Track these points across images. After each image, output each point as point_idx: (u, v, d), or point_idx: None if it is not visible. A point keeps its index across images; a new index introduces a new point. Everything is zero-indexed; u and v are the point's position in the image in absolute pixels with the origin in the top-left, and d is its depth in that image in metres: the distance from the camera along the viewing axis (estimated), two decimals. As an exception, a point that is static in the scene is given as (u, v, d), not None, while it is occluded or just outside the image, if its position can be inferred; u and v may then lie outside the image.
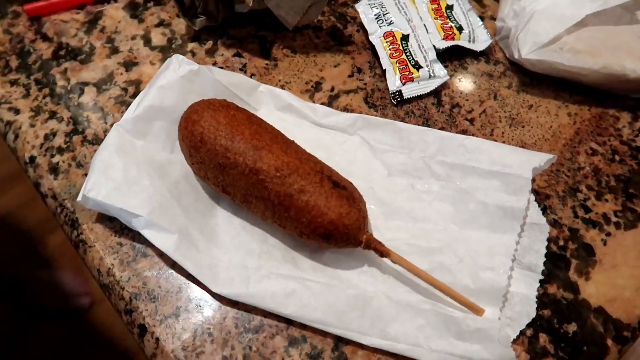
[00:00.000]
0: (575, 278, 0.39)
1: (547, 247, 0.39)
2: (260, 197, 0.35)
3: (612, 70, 0.43)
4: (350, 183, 0.37)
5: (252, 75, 0.47)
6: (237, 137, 0.35)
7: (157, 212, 0.36)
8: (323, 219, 0.34)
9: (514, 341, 0.35)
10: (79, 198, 0.36)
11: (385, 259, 0.37)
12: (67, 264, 1.15)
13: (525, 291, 0.37)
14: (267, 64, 0.48)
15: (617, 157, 0.44)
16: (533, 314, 0.36)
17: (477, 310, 0.35)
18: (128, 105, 0.45)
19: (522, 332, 0.36)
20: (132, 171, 0.37)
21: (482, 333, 0.34)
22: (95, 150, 0.40)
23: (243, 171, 0.34)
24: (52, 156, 0.42)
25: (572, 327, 0.37)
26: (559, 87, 0.48)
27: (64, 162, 0.42)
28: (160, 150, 0.40)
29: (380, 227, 0.39)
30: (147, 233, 0.35)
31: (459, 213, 0.40)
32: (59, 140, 0.43)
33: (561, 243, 0.40)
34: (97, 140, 0.43)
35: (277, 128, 0.38)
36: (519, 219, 0.38)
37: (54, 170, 0.41)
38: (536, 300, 0.37)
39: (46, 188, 0.41)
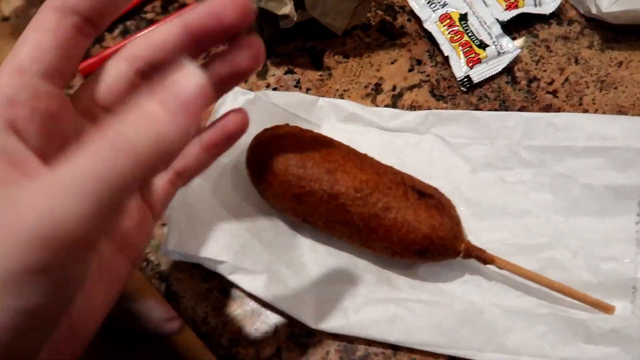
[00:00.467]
0: None
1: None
2: (344, 222, 0.33)
3: None
4: (436, 189, 0.34)
5: (307, 90, 0.45)
6: (309, 164, 0.33)
7: (241, 255, 0.35)
8: (416, 234, 0.31)
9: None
10: (163, 251, 0.36)
11: (489, 266, 0.33)
12: (152, 292, 1.20)
13: None
14: (321, 75, 0.46)
15: None
16: None
17: (607, 309, 0.31)
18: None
19: None
20: (208, 217, 0.36)
21: (618, 333, 0.30)
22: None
23: (321, 198, 0.32)
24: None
25: None
26: (650, 35, 0.42)
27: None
28: (231, 190, 0.38)
29: (474, 230, 0.36)
30: (234, 278, 0.35)
31: (561, 201, 0.36)
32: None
33: (689, 214, 0.35)
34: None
35: (344, 142, 0.36)
36: (635, 196, 0.34)
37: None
38: None
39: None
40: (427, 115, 0.40)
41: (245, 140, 0.37)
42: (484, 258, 0.32)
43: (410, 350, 0.33)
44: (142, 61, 0.23)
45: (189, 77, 0.17)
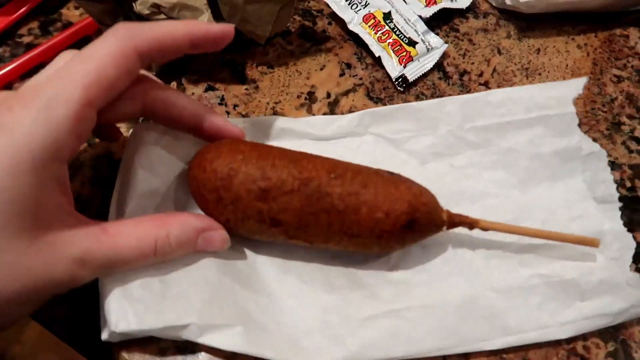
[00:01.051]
0: (658, 216, 0.36)
1: (617, 190, 0.35)
2: (322, 210, 0.29)
3: (615, -12, 0.40)
4: None
5: (235, 107, 0.41)
6: (270, 157, 0.29)
7: (207, 311, 0.29)
8: (401, 204, 0.29)
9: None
10: (105, 336, 0.28)
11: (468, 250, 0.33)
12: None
13: (613, 225, 0.34)
14: (247, 89, 0.42)
15: (643, 77, 0.41)
16: (633, 244, 0.34)
17: (592, 242, 0.32)
18: (107, 184, 0.37)
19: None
20: (155, 281, 0.29)
21: (607, 283, 0.32)
22: None
23: (292, 187, 0.28)
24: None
25: (677, 270, 0.34)
26: (559, 21, 0.44)
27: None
28: None
29: None
30: (205, 339, 0.28)
31: (514, 175, 0.36)
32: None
33: (628, 184, 0.37)
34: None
35: None
36: (578, 156, 0.36)
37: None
38: (626, 228, 0.34)
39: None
40: (362, 115, 0.38)
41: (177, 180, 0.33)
42: (469, 222, 0.31)
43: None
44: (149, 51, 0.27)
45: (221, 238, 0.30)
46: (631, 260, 0.33)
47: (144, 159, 0.33)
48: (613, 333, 0.32)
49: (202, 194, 0.30)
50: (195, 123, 0.31)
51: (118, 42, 0.25)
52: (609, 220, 0.34)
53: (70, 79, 0.24)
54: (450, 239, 0.34)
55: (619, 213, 0.35)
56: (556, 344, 0.31)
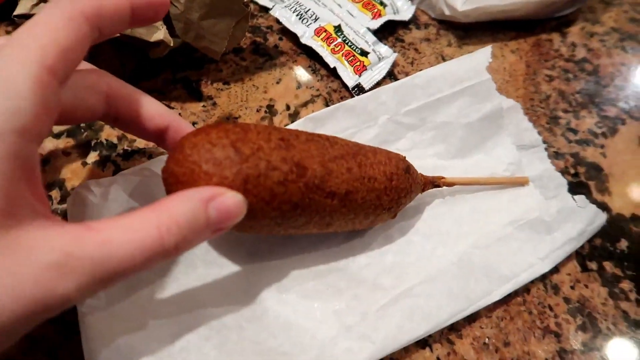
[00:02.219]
0: (601, 198, 0.39)
1: (563, 177, 0.38)
2: (339, 156, 0.29)
3: (541, -3, 0.45)
4: None
5: (194, 124, 0.40)
6: (262, 127, 0.27)
7: (223, 357, 0.28)
8: (395, 157, 0.32)
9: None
10: None
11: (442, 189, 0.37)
12: None
13: (544, 166, 0.39)
14: (204, 106, 0.41)
15: (570, 75, 0.46)
16: (564, 182, 0.38)
17: (522, 180, 0.37)
18: (62, 214, 0.35)
19: (589, 269, 0.36)
20: (155, 343, 0.28)
21: (563, 212, 0.36)
22: None
23: (307, 138, 0.28)
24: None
25: (624, 244, 0.37)
26: (491, 29, 0.48)
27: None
28: (155, 296, 0.30)
29: None
30: None
31: (452, 145, 0.39)
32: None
33: (572, 171, 0.40)
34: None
35: None
36: (499, 116, 0.40)
37: None
38: (554, 168, 0.39)
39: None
40: (305, 122, 0.38)
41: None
42: (438, 183, 0.35)
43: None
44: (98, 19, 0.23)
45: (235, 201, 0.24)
46: (567, 186, 0.38)
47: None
48: (579, 308, 0.34)
49: (210, 158, 0.24)
50: (160, 125, 0.28)
51: (63, 7, 0.22)
52: (540, 162, 0.39)
53: (23, 43, 0.20)
54: (424, 219, 0.36)
55: (546, 154, 0.39)
56: (532, 324, 0.33)
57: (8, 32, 0.43)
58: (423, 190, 0.34)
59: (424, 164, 0.38)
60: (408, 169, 0.32)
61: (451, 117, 0.39)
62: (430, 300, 0.32)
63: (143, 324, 0.28)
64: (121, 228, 0.21)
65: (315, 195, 0.27)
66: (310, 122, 0.38)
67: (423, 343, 0.32)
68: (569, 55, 0.47)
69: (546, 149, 0.39)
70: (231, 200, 0.24)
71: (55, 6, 0.22)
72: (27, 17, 0.33)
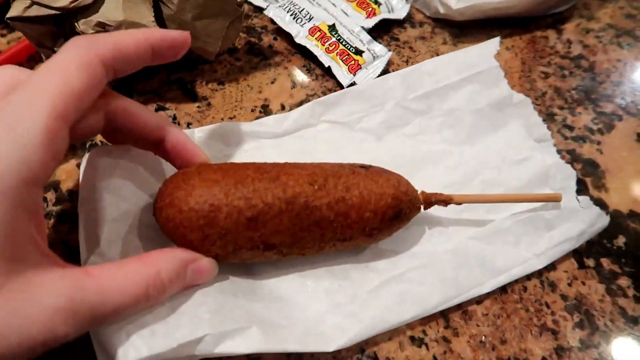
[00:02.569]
0: (597, 194, 0.39)
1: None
2: (314, 223, 0.29)
3: (533, -6, 0.44)
4: None
5: (188, 125, 0.40)
6: (248, 181, 0.28)
7: (217, 320, 0.28)
8: (385, 199, 0.30)
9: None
10: None
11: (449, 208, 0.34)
12: None
13: (553, 159, 0.38)
14: (199, 106, 0.41)
15: (566, 72, 0.46)
16: (573, 172, 0.37)
17: (556, 198, 0.35)
18: (57, 217, 0.35)
19: (586, 266, 0.35)
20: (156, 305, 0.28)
21: (564, 211, 0.35)
22: None
23: (280, 208, 0.28)
24: None
25: (621, 240, 0.37)
26: (486, 27, 0.48)
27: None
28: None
29: None
30: (223, 348, 0.27)
31: (462, 131, 0.39)
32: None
33: (569, 168, 0.40)
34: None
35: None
36: (509, 103, 0.40)
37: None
38: (564, 161, 0.38)
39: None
40: (313, 106, 0.39)
41: (150, 193, 0.32)
42: (443, 199, 0.33)
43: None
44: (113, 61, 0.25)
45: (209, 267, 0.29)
46: (576, 186, 0.37)
47: (107, 183, 0.31)
48: (577, 305, 0.34)
49: (183, 234, 0.28)
50: (158, 136, 0.30)
51: (80, 51, 0.23)
52: (549, 156, 0.38)
53: (36, 91, 0.21)
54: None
55: (555, 149, 0.39)
56: (528, 321, 0.33)
57: (3, 35, 0.44)
58: (426, 208, 0.33)
59: (432, 150, 0.38)
60: (398, 214, 0.31)
61: (459, 104, 0.40)
62: (421, 285, 0.32)
63: None
64: (117, 279, 0.24)
65: (285, 254, 0.30)
66: (319, 106, 0.39)
67: (419, 342, 0.32)
68: (564, 52, 0.47)
69: (555, 144, 0.39)
70: (206, 265, 0.28)
71: (71, 48, 0.23)
72: (20, 19, 0.33)
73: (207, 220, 0.28)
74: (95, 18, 0.34)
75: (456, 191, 0.37)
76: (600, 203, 0.38)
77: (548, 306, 0.34)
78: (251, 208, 0.28)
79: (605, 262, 0.36)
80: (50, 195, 0.36)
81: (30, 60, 0.42)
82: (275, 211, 0.28)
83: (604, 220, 0.35)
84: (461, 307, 0.33)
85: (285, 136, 0.38)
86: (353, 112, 0.39)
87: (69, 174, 0.37)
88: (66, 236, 0.34)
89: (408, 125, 0.39)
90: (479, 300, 0.34)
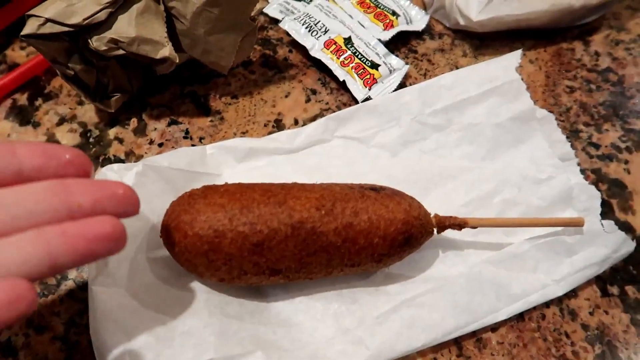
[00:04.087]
0: (624, 216, 0.37)
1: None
2: (320, 249, 0.28)
3: (559, 6, 0.43)
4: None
5: (200, 139, 0.40)
6: (254, 205, 0.28)
7: (222, 343, 0.28)
8: (395, 224, 0.29)
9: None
10: None
11: (463, 231, 0.33)
12: None
13: (576, 179, 0.36)
14: (212, 121, 0.41)
15: (593, 86, 0.44)
16: (598, 194, 0.35)
17: (578, 222, 0.33)
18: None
19: (610, 294, 0.34)
20: (157, 325, 0.28)
21: (587, 235, 0.33)
22: (52, 302, 0.31)
23: (285, 234, 0.28)
24: (-2, 334, 0.31)
25: (648, 267, 0.35)
26: (509, 39, 0.46)
27: (17, 334, 0.31)
28: (162, 283, 0.31)
29: (426, 206, 0.34)
30: None
31: (482, 146, 0.38)
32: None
33: (593, 188, 0.38)
34: (49, 290, 0.33)
35: (255, 180, 0.32)
36: (533, 117, 0.38)
37: (7, 349, 0.31)
38: (588, 181, 0.36)
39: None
40: (326, 121, 0.38)
41: (157, 219, 0.31)
42: (458, 223, 0.32)
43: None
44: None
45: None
46: (600, 208, 0.35)
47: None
48: (599, 335, 0.32)
49: (188, 259, 0.29)
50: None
51: None
52: (573, 176, 0.36)
53: None
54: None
55: (579, 168, 0.37)
56: (546, 352, 0.32)
57: (22, 48, 0.44)
58: (439, 232, 0.32)
59: (450, 166, 0.37)
60: (408, 240, 0.30)
61: (479, 118, 0.38)
62: (433, 311, 0.31)
63: (148, 306, 0.30)
64: None
65: (292, 279, 0.30)
66: (332, 122, 0.38)
67: (430, 370, 0.31)
68: (592, 65, 0.45)
69: (578, 164, 0.37)
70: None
71: None
72: (34, 36, 0.34)
73: (212, 245, 0.27)
74: (108, 34, 0.34)
75: (474, 210, 0.36)
76: (626, 226, 0.36)
77: (568, 336, 0.32)
78: (256, 234, 0.27)
79: (630, 290, 0.34)
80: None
81: (47, 73, 0.43)
82: (280, 237, 0.28)
83: (630, 246, 0.33)
84: (475, 335, 0.32)
85: (298, 152, 0.38)
86: (368, 128, 0.38)
87: (82, 188, 0.37)
88: (77, 251, 0.34)
89: (425, 141, 0.38)
90: (494, 327, 0.32)
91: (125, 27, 0.35)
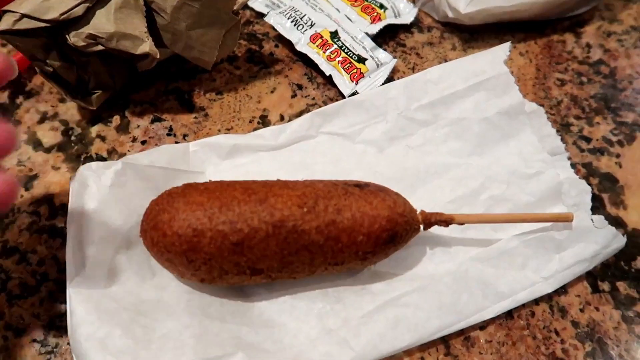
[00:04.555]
0: (615, 211, 0.36)
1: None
2: (302, 248, 0.28)
3: (549, -3, 0.42)
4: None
5: (184, 136, 0.39)
6: (234, 203, 0.27)
7: (202, 345, 0.27)
8: (379, 222, 0.28)
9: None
10: None
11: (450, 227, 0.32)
12: None
13: (566, 174, 0.36)
14: (195, 117, 0.40)
15: (584, 79, 0.43)
16: (588, 188, 0.35)
17: (566, 218, 0.32)
18: (49, 231, 0.34)
19: (601, 291, 0.33)
20: (136, 327, 0.28)
21: (576, 231, 0.33)
22: (32, 304, 0.30)
23: (267, 233, 0.27)
24: (-25, 337, 0.31)
25: (639, 262, 0.34)
26: (498, 32, 0.45)
27: (-5, 337, 0.31)
28: (142, 283, 0.30)
29: (413, 203, 0.33)
30: None
31: (469, 142, 0.37)
32: (-25, 313, 0.31)
33: (584, 182, 0.38)
34: (29, 291, 0.32)
35: (239, 178, 0.31)
36: (522, 111, 0.37)
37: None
38: (578, 176, 0.36)
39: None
40: (312, 117, 0.38)
41: (136, 219, 0.31)
42: (444, 220, 0.31)
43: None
44: None
45: None
46: (590, 203, 0.34)
47: (96, 201, 0.31)
48: (589, 333, 0.32)
49: (167, 259, 0.28)
50: None
51: None
52: (562, 171, 0.36)
53: None
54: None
55: (569, 163, 0.36)
56: (536, 350, 0.31)
57: (3, 45, 0.43)
58: (426, 229, 0.32)
59: (437, 162, 0.36)
60: (393, 237, 0.29)
61: (466, 113, 0.38)
62: (418, 311, 0.30)
63: (127, 307, 0.29)
64: None
65: (274, 279, 0.29)
66: (318, 117, 0.37)
67: (417, 370, 0.30)
68: (583, 57, 0.44)
69: (569, 158, 0.36)
70: None
71: None
72: (10, 32, 0.33)
73: (191, 245, 0.27)
74: (86, 30, 0.34)
75: (462, 206, 0.35)
76: (618, 221, 0.36)
77: (557, 333, 0.32)
78: (236, 233, 0.27)
79: (621, 286, 0.33)
80: (44, 210, 0.35)
81: (28, 70, 0.42)
82: (261, 235, 0.27)
83: (620, 241, 0.33)
84: (463, 333, 0.31)
85: (282, 149, 0.37)
86: (353, 124, 0.38)
87: (63, 187, 0.36)
88: (57, 251, 0.34)
89: (412, 136, 0.37)
90: (482, 325, 0.32)
91: (103, 22, 0.34)
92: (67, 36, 0.34)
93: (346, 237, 0.28)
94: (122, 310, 0.29)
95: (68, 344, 0.30)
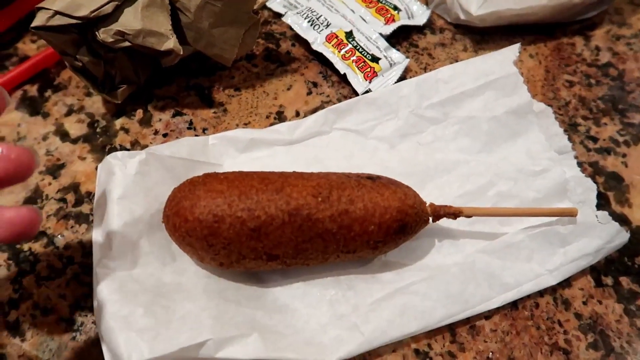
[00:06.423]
0: (620, 209, 0.37)
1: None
2: (316, 235, 0.29)
3: (559, 1, 0.43)
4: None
5: (204, 130, 0.41)
6: (252, 192, 0.29)
7: (219, 326, 0.29)
8: (390, 212, 0.30)
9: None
10: None
11: (458, 220, 0.33)
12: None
13: (573, 172, 0.37)
14: (215, 112, 0.42)
15: (592, 81, 0.44)
16: (594, 186, 0.36)
17: (571, 212, 0.33)
18: (75, 217, 0.36)
19: (604, 284, 0.34)
20: (157, 308, 0.29)
21: (581, 226, 0.34)
22: (59, 285, 0.33)
23: (282, 220, 0.28)
24: (6, 314, 0.32)
25: (643, 258, 0.35)
26: (509, 34, 0.47)
27: (24, 315, 0.32)
28: (163, 267, 0.32)
29: (422, 197, 0.34)
30: (224, 353, 0.28)
31: (478, 140, 0.38)
32: (5, 292, 0.33)
33: (590, 181, 0.39)
34: (55, 273, 0.34)
35: (255, 170, 0.33)
36: (530, 110, 0.38)
37: (15, 328, 0.32)
38: (584, 175, 0.37)
39: (15, 357, 0.31)
40: (326, 113, 0.39)
41: (159, 206, 0.33)
42: (453, 212, 0.32)
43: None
44: None
45: None
46: (596, 200, 0.35)
47: (122, 188, 0.33)
48: (591, 325, 0.33)
49: (188, 243, 0.30)
50: None
51: None
52: (569, 169, 0.37)
53: None
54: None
55: (575, 161, 0.37)
56: (539, 340, 0.32)
57: (33, 41, 0.45)
58: (435, 221, 0.33)
59: (446, 159, 0.38)
60: (403, 228, 0.30)
61: (476, 111, 0.39)
62: (425, 299, 0.31)
63: (149, 289, 0.31)
64: None
65: (289, 265, 0.31)
66: (332, 114, 0.39)
67: (424, 355, 0.31)
68: (592, 60, 0.45)
69: (576, 157, 0.38)
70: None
71: None
72: (43, 28, 0.35)
73: (211, 230, 0.28)
74: (115, 27, 0.36)
75: (469, 202, 0.36)
76: (622, 219, 0.37)
77: (561, 324, 0.33)
78: (254, 219, 0.28)
79: (624, 280, 0.34)
80: (70, 197, 0.37)
81: (56, 65, 0.44)
82: (277, 223, 0.28)
83: (623, 237, 0.34)
84: (469, 322, 0.33)
85: (297, 144, 0.38)
86: (366, 120, 0.39)
87: (88, 176, 0.38)
88: (83, 236, 0.35)
89: (422, 134, 0.39)
90: (487, 315, 0.33)
91: (131, 19, 0.36)
92: (96, 33, 0.36)
93: (358, 226, 0.29)
94: (144, 292, 0.30)
95: (92, 322, 0.32)
